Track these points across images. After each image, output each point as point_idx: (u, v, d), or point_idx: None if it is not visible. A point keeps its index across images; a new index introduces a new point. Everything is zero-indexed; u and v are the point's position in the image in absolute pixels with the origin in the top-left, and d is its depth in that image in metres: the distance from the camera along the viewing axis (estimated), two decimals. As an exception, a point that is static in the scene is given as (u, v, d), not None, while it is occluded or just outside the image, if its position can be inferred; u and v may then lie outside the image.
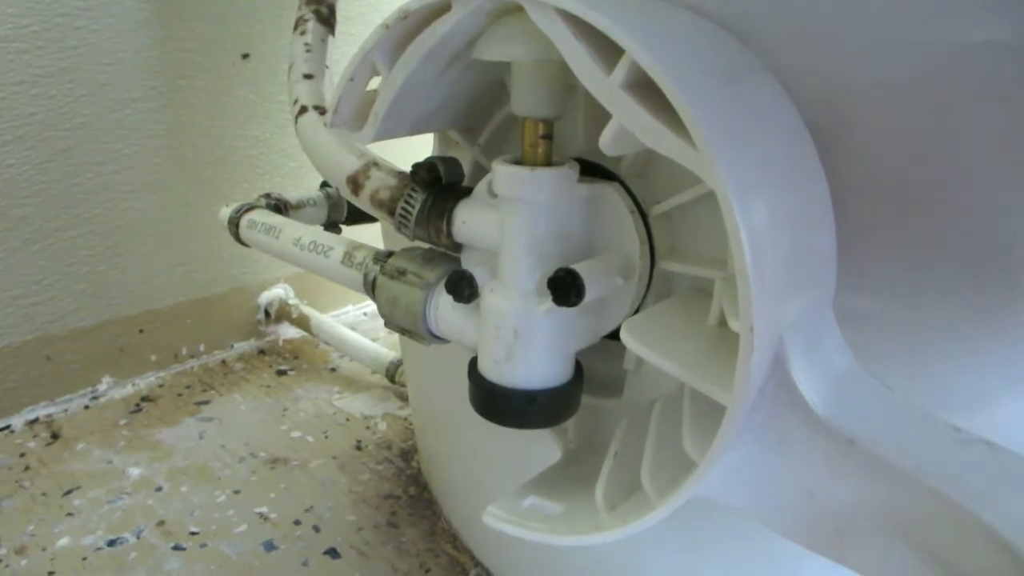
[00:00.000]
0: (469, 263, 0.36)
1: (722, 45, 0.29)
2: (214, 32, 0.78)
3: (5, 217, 0.68)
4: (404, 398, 0.79)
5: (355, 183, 0.39)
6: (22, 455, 0.68)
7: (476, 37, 0.31)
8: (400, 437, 0.72)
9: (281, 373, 0.85)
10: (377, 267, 0.40)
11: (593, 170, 0.35)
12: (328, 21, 0.55)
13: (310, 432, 0.73)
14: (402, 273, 0.38)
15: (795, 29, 0.30)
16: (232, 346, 0.89)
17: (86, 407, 0.76)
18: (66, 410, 0.75)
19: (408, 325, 0.38)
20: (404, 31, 0.32)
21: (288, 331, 0.93)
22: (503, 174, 0.32)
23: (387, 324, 0.39)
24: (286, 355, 0.89)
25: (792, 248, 0.26)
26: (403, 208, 0.36)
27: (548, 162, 0.32)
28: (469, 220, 0.35)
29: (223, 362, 0.86)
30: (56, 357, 0.75)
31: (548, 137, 0.32)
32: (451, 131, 0.40)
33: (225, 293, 0.87)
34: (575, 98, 0.35)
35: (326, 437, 0.72)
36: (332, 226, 0.59)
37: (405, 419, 0.76)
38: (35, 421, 0.73)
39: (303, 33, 0.53)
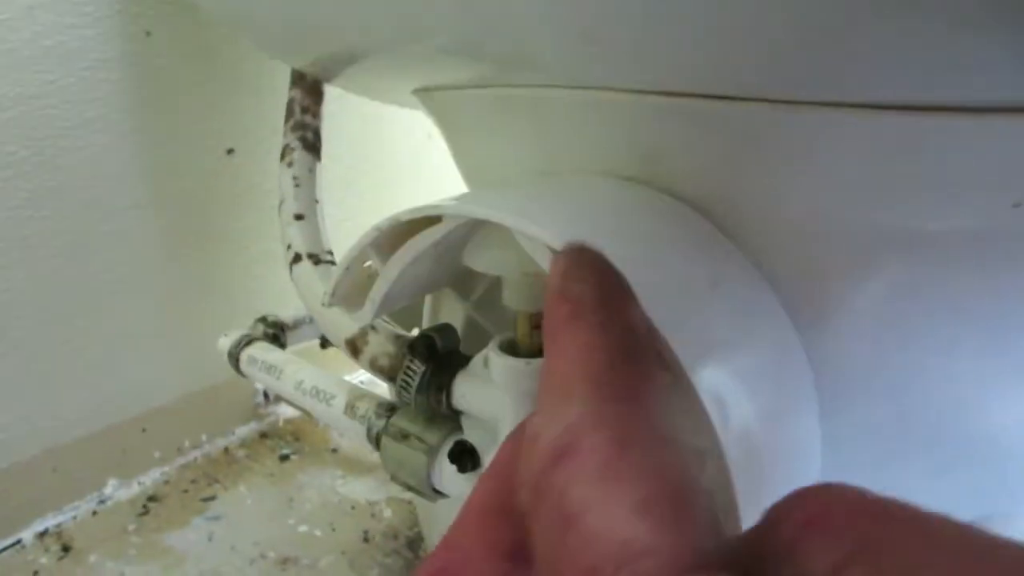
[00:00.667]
0: (470, 428, 0.38)
1: (705, 242, 0.31)
2: (198, 131, 0.79)
3: (4, 339, 0.69)
4: (407, 479, 0.81)
5: (353, 347, 0.40)
6: (35, 572, 0.69)
7: (466, 238, 0.33)
8: (406, 524, 0.74)
9: (284, 458, 0.86)
10: (381, 423, 0.41)
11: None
12: (314, 147, 0.56)
13: (317, 525, 0.74)
14: (405, 437, 0.39)
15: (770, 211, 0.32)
16: (233, 432, 0.90)
17: (94, 512, 0.77)
18: (74, 517, 0.76)
19: (415, 485, 0.39)
20: (397, 234, 0.33)
21: (287, 410, 0.94)
22: (499, 365, 0.33)
23: (393, 479, 0.41)
24: (287, 437, 0.90)
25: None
26: (404, 380, 0.38)
27: (542, 349, 0.34)
28: (467, 394, 0.36)
29: (226, 450, 0.87)
30: (62, 467, 0.76)
31: (540, 327, 0.33)
32: (447, 290, 0.41)
33: (224, 381, 0.88)
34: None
35: (333, 530, 0.73)
36: (328, 343, 0.60)
37: (408, 502, 0.77)
38: (45, 533, 0.74)
39: (290, 164, 0.54)
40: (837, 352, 0.32)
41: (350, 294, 0.40)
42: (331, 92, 0.59)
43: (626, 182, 0.33)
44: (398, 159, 1.01)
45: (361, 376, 1.02)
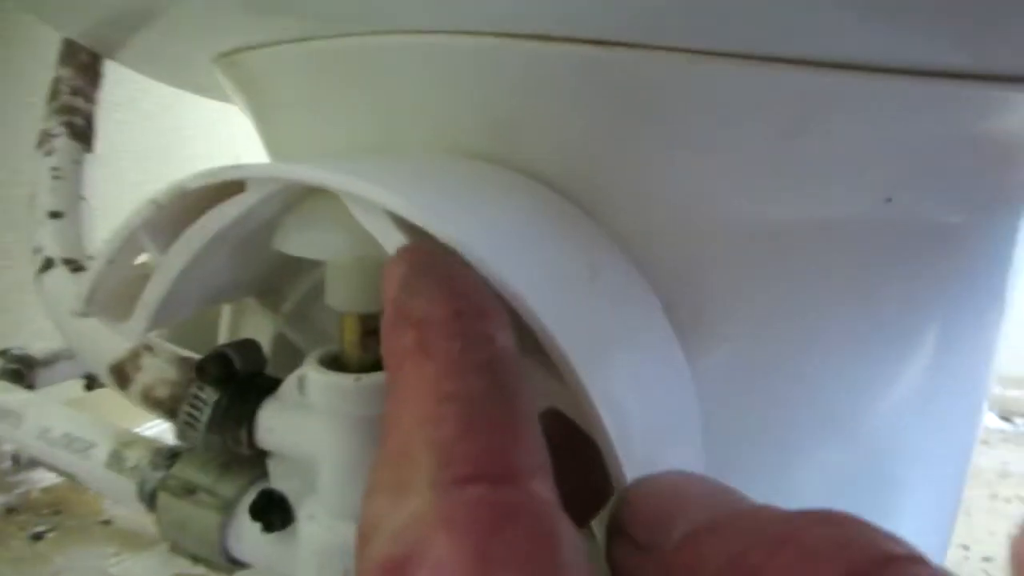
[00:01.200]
0: (279, 474, 0.29)
1: (577, 227, 0.26)
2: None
3: None
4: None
5: (121, 374, 0.31)
6: None
7: (277, 218, 0.25)
8: (198, 608, 0.61)
9: (37, 538, 0.70)
10: (157, 475, 0.31)
11: (427, 354, 0.30)
12: (84, 135, 0.46)
13: (78, 619, 0.59)
14: (191, 491, 0.30)
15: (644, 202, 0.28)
16: (-32, 507, 0.72)
17: None
18: None
19: (203, 553, 0.30)
20: (181, 209, 0.25)
21: (46, 477, 0.77)
22: (320, 384, 0.25)
23: (174, 549, 0.31)
24: (44, 510, 0.74)
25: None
26: (189, 414, 0.29)
27: (376, 362, 0.26)
28: (276, 427, 0.28)
29: (-44, 531, 0.69)
30: None
31: (374, 333, 0.26)
32: (250, 299, 0.33)
33: (-43, 443, 0.70)
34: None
35: (99, 624, 0.59)
36: (97, 381, 0.48)
37: (202, 579, 0.64)
38: None
39: (49, 153, 0.43)
40: (712, 347, 0.29)
41: (115, 300, 0.30)
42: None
43: (479, 160, 0.27)
44: (205, 155, 0.89)
45: (162, 427, 0.87)
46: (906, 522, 0.34)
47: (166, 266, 0.26)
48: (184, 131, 0.85)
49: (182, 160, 0.85)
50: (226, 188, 0.24)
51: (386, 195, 0.20)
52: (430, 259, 0.18)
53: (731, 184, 0.26)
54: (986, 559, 0.72)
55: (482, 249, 0.19)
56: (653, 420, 0.23)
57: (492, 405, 0.14)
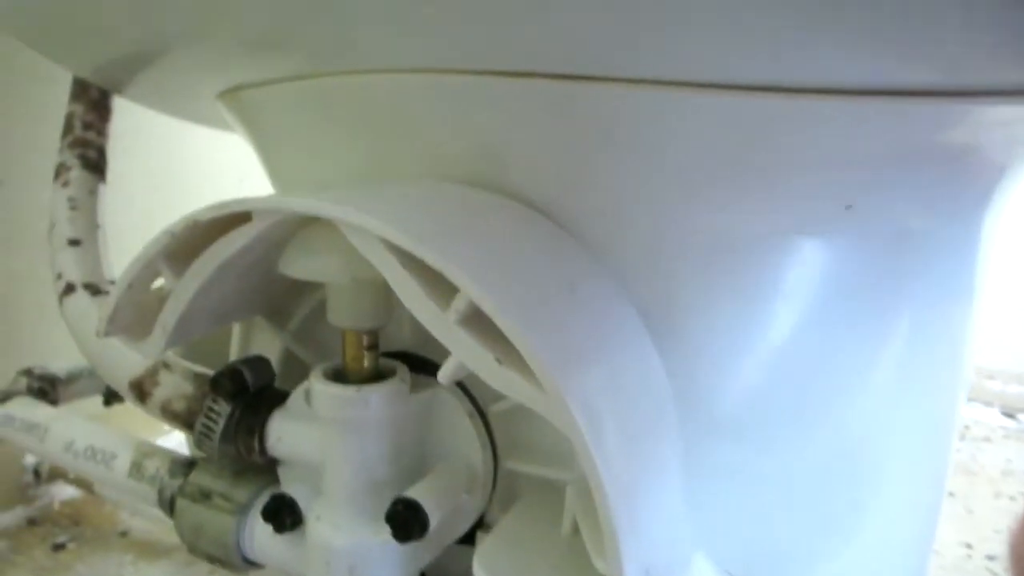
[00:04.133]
0: (288, 480, 0.31)
1: (557, 245, 0.28)
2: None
3: None
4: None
5: (140, 389, 0.33)
6: None
7: (282, 243, 0.27)
8: (213, 612, 0.63)
9: (58, 548, 0.72)
10: (176, 483, 0.34)
11: (422, 366, 0.32)
12: (98, 167, 0.48)
13: (99, 625, 0.62)
14: (207, 496, 0.32)
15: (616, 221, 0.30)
16: (-8, 520, 0.74)
17: None
18: None
19: (218, 554, 0.32)
20: (194, 238, 0.27)
21: (65, 491, 0.79)
22: (324, 395, 0.28)
23: (192, 551, 0.33)
24: (64, 522, 0.76)
25: (650, 474, 0.25)
26: (205, 425, 0.31)
27: (375, 374, 0.29)
28: (285, 436, 0.30)
29: (-20, 544, 0.72)
30: None
31: (374, 348, 0.29)
32: (258, 318, 0.35)
33: (-20, 458, 0.72)
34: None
35: (121, 629, 0.61)
36: (115, 397, 0.51)
37: (217, 586, 0.66)
38: None
39: (65, 184, 0.46)
40: (689, 354, 0.30)
41: (134, 321, 0.32)
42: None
43: (463, 185, 0.30)
44: (215, 182, 0.91)
45: (179, 439, 0.89)
46: (885, 510, 0.35)
47: (181, 290, 0.28)
48: (187, 157, 0.88)
49: (187, 186, 0.88)
50: (234, 219, 0.26)
51: (378, 224, 0.23)
52: None
53: (696, 200, 0.28)
54: (989, 557, 0.71)
55: (465, 270, 0.22)
56: (627, 420, 0.25)
57: None
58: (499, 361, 0.22)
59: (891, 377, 0.35)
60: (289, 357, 0.35)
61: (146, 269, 0.28)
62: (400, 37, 0.26)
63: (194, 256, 0.28)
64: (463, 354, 0.23)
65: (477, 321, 0.23)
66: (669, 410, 0.28)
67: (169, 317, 0.29)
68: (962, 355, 0.38)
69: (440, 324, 0.23)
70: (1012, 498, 0.82)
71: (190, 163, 0.92)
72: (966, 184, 0.32)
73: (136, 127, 0.81)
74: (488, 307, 0.21)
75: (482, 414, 0.31)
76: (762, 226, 0.30)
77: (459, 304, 0.22)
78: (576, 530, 0.29)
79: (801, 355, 0.32)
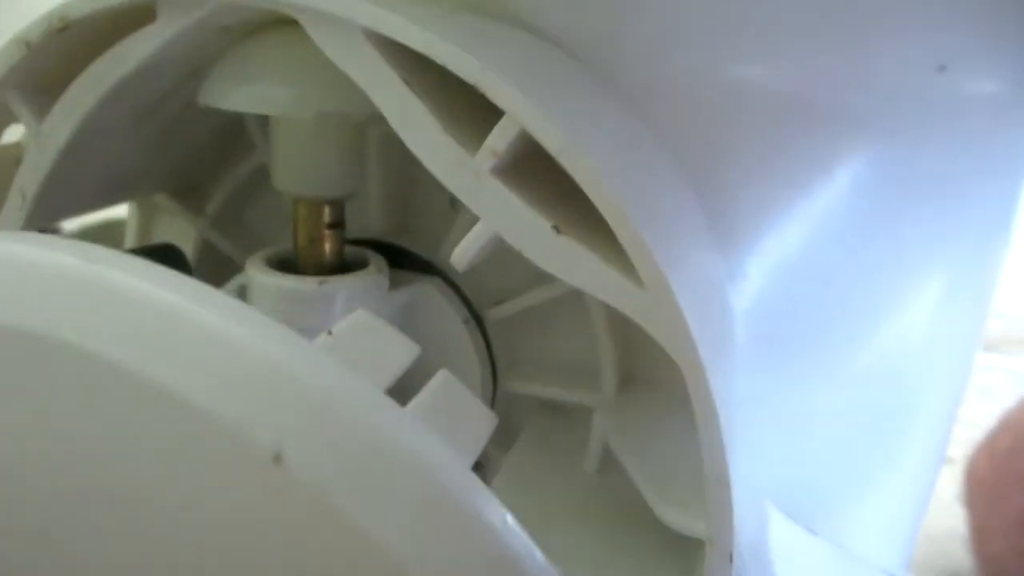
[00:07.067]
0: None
1: (598, 91, 0.20)
2: None
3: None
4: None
5: None
6: None
7: (203, 64, 0.18)
8: None
9: None
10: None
11: (398, 256, 0.24)
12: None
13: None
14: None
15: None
16: None
17: None
18: None
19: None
20: (64, 53, 0.18)
21: None
22: (271, 291, 0.19)
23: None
24: None
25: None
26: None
27: (340, 264, 0.21)
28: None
29: None
30: None
31: (338, 227, 0.20)
32: (161, 197, 0.26)
33: None
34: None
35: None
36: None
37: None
38: None
39: None
40: (736, 253, 0.24)
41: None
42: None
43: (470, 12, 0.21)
44: None
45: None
46: (913, 443, 0.32)
47: (47, 137, 0.19)
48: None
49: None
50: (127, 17, 0.17)
51: (370, 11, 0.14)
52: None
53: (757, 51, 0.21)
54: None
55: (514, 81, 0.14)
56: (712, 334, 0.18)
57: None
58: (557, 230, 0.15)
59: (930, 309, 0.30)
60: (206, 251, 0.26)
61: (-11, 106, 0.19)
62: None
63: (64, 85, 0.18)
64: (500, 220, 0.15)
65: (516, 174, 0.15)
66: (735, 328, 0.22)
67: (29, 181, 0.20)
68: (986, 310, 0.35)
69: (463, 175, 0.15)
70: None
71: None
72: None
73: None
74: (553, 142, 0.14)
75: (479, 321, 0.23)
76: (835, 96, 0.23)
77: (498, 140, 0.14)
78: (604, 468, 0.23)
79: (851, 270, 0.27)
